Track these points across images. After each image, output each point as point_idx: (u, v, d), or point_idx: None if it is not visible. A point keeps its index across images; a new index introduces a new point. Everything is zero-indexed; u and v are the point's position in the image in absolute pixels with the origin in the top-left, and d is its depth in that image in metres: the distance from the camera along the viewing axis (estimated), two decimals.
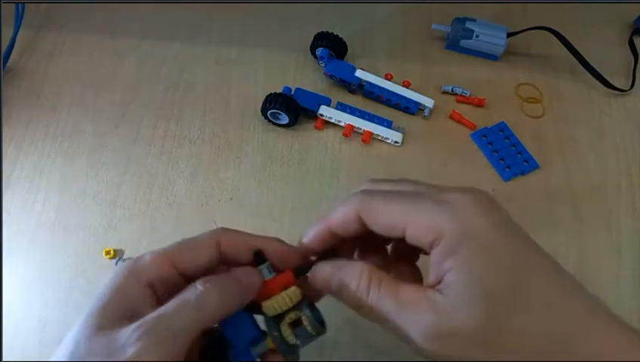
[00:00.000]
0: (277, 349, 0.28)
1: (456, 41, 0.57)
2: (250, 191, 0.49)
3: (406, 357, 0.42)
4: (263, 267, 0.29)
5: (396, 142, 0.52)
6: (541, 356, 0.24)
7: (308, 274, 0.29)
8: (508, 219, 0.26)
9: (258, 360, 0.29)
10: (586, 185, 0.51)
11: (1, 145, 0.51)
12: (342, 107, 0.53)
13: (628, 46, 0.60)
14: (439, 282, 0.25)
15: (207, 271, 0.28)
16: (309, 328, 0.28)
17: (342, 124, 0.52)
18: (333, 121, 0.52)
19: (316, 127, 0.53)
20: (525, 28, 0.57)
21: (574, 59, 0.56)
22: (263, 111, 0.51)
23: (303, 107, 0.51)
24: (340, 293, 0.28)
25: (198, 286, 0.26)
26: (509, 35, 0.57)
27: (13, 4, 0.57)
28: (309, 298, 0.30)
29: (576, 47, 0.56)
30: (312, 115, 0.52)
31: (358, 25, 0.60)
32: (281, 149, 0.52)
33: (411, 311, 0.25)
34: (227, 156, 0.51)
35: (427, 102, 0.53)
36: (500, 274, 0.24)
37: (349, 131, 0.52)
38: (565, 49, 0.56)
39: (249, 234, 0.30)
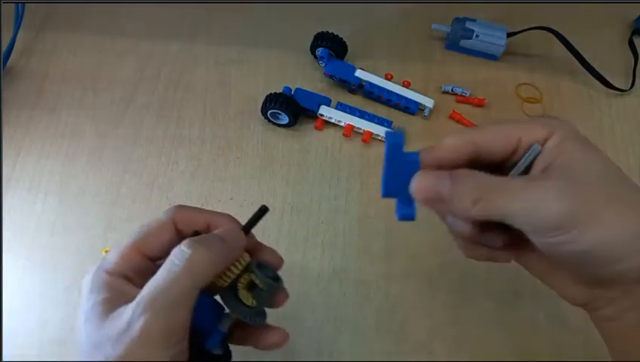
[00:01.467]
0: (239, 317, 0.29)
1: (457, 41, 0.57)
2: (250, 191, 0.49)
3: (407, 357, 0.42)
4: None
5: None
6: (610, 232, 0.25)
7: (411, 187, 0.28)
8: None
9: (225, 331, 0.29)
10: None
11: (1, 145, 0.51)
12: (342, 107, 0.53)
13: (628, 46, 0.60)
14: (545, 169, 0.27)
15: (169, 250, 0.29)
16: (262, 286, 0.29)
17: (342, 124, 0.52)
18: (333, 121, 0.52)
19: (316, 127, 0.53)
20: (525, 28, 0.57)
21: (574, 59, 0.56)
22: (263, 111, 0.51)
23: (303, 107, 0.51)
24: (451, 205, 0.27)
25: (184, 248, 0.26)
26: (509, 35, 0.57)
27: (13, 4, 0.57)
28: (265, 258, 0.31)
29: (576, 47, 0.56)
30: (312, 115, 0.52)
31: (358, 25, 0.60)
32: (281, 149, 0.52)
33: (543, 181, 0.26)
34: (227, 156, 0.51)
35: (427, 102, 0.53)
36: (606, 158, 0.28)
37: (349, 131, 0.52)
38: (565, 49, 0.56)
39: (201, 210, 0.31)
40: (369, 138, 0.52)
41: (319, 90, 0.54)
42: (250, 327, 0.31)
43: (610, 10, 0.62)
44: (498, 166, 0.29)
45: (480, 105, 0.55)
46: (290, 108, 0.50)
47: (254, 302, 0.29)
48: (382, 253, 0.46)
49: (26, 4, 0.57)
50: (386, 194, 0.29)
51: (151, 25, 0.60)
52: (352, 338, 0.43)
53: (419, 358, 0.42)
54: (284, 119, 0.51)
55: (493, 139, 0.28)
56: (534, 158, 0.28)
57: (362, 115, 0.53)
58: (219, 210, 0.48)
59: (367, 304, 0.44)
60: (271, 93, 0.51)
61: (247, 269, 0.29)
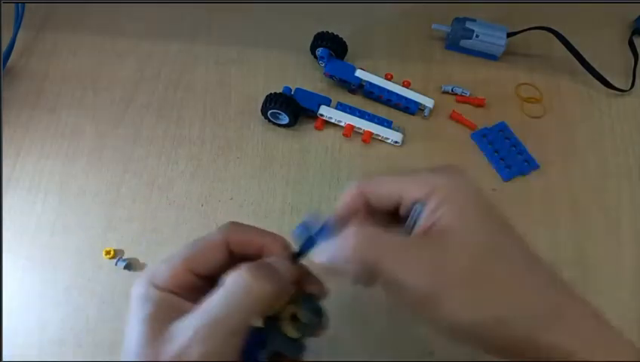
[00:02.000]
0: (281, 351, 0.28)
1: (457, 41, 0.57)
2: (250, 191, 0.49)
3: (407, 357, 0.42)
4: None
5: (396, 142, 0.52)
6: (514, 304, 0.25)
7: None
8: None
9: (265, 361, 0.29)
10: (586, 185, 0.50)
11: (1, 146, 0.51)
12: (342, 107, 0.53)
13: (628, 46, 0.60)
14: (426, 232, 0.27)
15: (221, 268, 0.28)
16: (306, 321, 0.28)
17: (342, 124, 0.52)
18: (333, 121, 0.52)
19: (316, 127, 0.53)
20: (525, 28, 0.57)
21: (574, 59, 0.56)
22: (263, 111, 0.51)
23: (303, 107, 0.51)
24: (337, 272, 0.27)
25: (245, 276, 0.26)
26: (509, 35, 0.57)
27: (13, 4, 0.57)
28: (310, 289, 0.30)
29: (576, 47, 0.56)
30: (312, 115, 0.52)
31: (358, 25, 0.60)
32: (281, 149, 0.52)
33: (411, 252, 0.26)
34: (227, 156, 0.51)
35: (427, 102, 0.53)
36: (490, 223, 0.27)
37: (349, 131, 0.52)
38: (565, 49, 0.56)
39: (255, 231, 0.30)
40: (369, 138, 0.52)
41: (319, 90, 0.54)
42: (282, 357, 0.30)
43: (610, 10, 0.62)
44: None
45: (480, 105, 0.55)
46: (290, 108, 0.50)
47: (297, 335, 0.28)
48: None
49: (26, 4, 0.57)
50: None
51: (151, 25, 0.60)
52: (352, 338, 0.42)
53: (419, 358, 0.42)
54: (284, 119, 0.51)
55: (377, 194, 0.29)
56: (418, 217, 0.28)
57: (362, 114, 0.53)
58: (219, 210, 0.48)
59: (366, 303, 0.44)
60: (271, 93, 0.51)
61: (292, 301, 0.28)
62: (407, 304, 0.26)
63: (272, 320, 0.28)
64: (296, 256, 0.29)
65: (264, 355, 0.28)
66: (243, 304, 0.25)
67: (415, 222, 0.28)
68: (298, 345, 0.29)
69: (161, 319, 0.26)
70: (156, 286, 0.27)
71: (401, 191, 0.28)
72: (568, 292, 0.26)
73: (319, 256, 0.28)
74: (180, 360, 0.24)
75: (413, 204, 0.28)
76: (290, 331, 0.28)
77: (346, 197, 0.30)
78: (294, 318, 0.28)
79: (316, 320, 0.29)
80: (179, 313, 0.26)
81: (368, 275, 0.26)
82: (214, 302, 0.25)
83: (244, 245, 0.29)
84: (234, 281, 0.26)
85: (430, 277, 0.25)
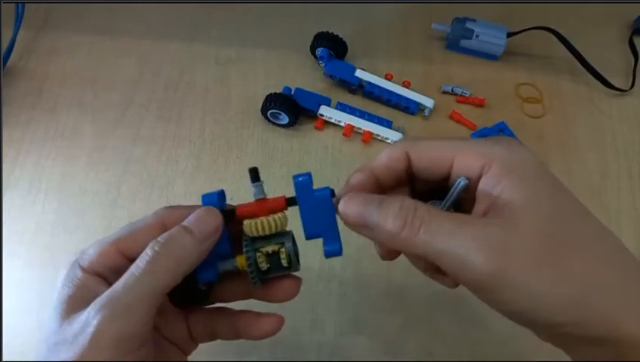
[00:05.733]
0: (246, 270, 0.28)
1: (457, 41, 0.57)
2: (250, 191, 0.49)
3: (408, 357, 0.42)
4: (257, 185, 0.29)
5: (396, 142, 0.52)
6: (597, 279, 0.22)
7: (339, 210, 0.27)
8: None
9: (220, 271, 0.29)
10: (586, 185, 0.50)
11: (1, 146, 0.51)
12: (342, 107, 0.53)
13: (628, 46, 0.60)
14: (487, 211, 0.24)
15: None
16: (283, 261, 0.28)
17: (342, 124, 0.52)
18: (333, 121, 0.52)
19: (316, 127, 0.53)
20: (525, 28, 0.57)
21: (574, 59, 0.56)
22: (263, 111, 0.51)
23: (302, 107, 0.51)
24: (375, 233, 0.25)
25: (148, 251, 0.25)
26: (509, 34, 0.57)
27: (13, 4, 0.57)
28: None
29: (576, 47, 0.56)
30: (312, 115, 0.52)
31: (358, 25, 0.60)
32: (281, 149, 0.52)
33: (474, 229, 0.23)
34: (227, 156, 0.51)
35: (427, 102, 0.53)
36: (559, 194, 0.24)
37: (349, 131, 0.52)
38: (565, 49, 0.56)
39: (186, 208, 0.29)
40: (369, 138, 0.52)
41: (319, 90, 0.54)
42: (242, 316, 0.30)
43: (610, 10, 0.62)
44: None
45: (480, 105, 0.55)
46: (290, 108, 0.50)
47: (266, 268, 0.28)
48: None
49: (26, 4, 0.57)
50: (309, 235, 0.28)
51: (151, 25, 0.60)
52: (352, 338, 0.42)
53: (419, 358, 0.42)
54: (284, 119, 0.51)
55: (426, 159, 0.26)
56: (461, 192, 0.25)
57: (362, 114, 0.53)
58: None
59: (367, 304, 0.44)
60: (271, 93, 0.51)
61: (278, 236, 0.28)
62: (469, 287, 0.24)
63: (252, 244, 0.28)
64: (292, 201, 0.29)
65: (225, 266, 0.28)
66: (142, 277, 0.25)
67: (453, 198, 0.25)
68: (261, 275, 0.28)
69: (75, 304, 0.25)
70: (82, 268, 0.27)
71: (455, 158, 0.25)
72: None
73: (356, 209, 0.25)
74: (79, 338, 0.23)
75: (459, 177, 0.24)
76: (262, 264, 0.28)
77: (386, 156, 0.27)
78: (271, 254, 0.28)
79: (294, 265, 0.28)
80: (97, 296, 0.25)
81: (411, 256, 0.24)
82: (119, 279, 0.25)
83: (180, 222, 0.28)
84: (140, 257, 0.25)
85: (496, 258, 0.22)
